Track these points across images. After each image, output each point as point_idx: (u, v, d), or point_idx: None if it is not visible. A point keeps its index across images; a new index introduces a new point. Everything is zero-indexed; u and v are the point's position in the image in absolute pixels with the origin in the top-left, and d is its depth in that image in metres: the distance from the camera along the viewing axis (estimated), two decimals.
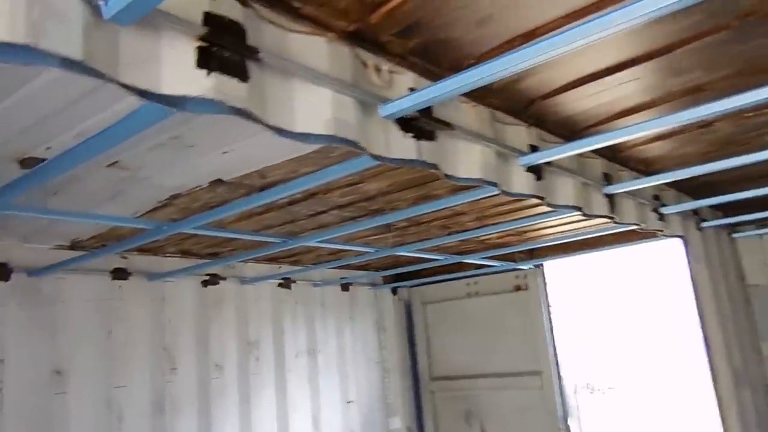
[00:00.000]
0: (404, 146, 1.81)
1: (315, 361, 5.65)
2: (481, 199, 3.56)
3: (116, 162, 2.51)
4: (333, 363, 5.84)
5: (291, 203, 3.43)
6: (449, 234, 4.56)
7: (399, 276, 6.62)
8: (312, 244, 3.84)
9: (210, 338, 4.75)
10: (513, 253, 5.40)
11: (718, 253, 3.93)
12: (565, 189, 2.52)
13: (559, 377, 5.76)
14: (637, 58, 2.08)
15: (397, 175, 3.02)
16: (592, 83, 2.22)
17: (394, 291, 6.64)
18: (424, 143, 1.87)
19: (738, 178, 3.48)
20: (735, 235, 4.29)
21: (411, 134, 1.83)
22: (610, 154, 2.85)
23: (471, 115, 2.08)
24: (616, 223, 2.97)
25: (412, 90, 1.81)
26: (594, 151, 2.77)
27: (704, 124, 2.55)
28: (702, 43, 1.93)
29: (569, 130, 2.53)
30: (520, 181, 2.29)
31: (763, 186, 3.25)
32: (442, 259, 4.76)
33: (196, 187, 2.99)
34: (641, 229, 3.22)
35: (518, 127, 2.30)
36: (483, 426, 6.08)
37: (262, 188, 3.09)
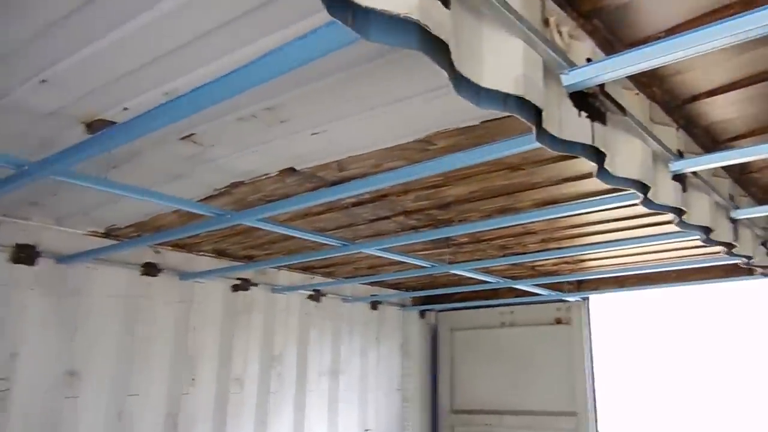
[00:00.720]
0: (578, 126, 1.49)
1: (336, 383, 5.25)
2: (562, 217, 3.26)
3: (192, 134, 2.18)
4: (355, 386, 5.44)
5: (357, 204, 3.10)
6: (504, 255, 4.22)
7: (429, 298, 6.25)
8: (370, 251, 3.49)
9: (234, 349, 4.36)
10: (562, 282, 5.06)
11: None
12: (701, 206, 2.20)
13: (596, 420, 5.37)
14: None
15: (490, 179, 2.69)
16: (753, 86, 1.92)
17: (422, 314, 6.26)
18: (597, 126, 1.55)
19: None
20: None
21: (586, 113, 1.51)
22: (737, 174, 2.54)
23: (634, 103, 1.76)
24: (731, 254, 2.64)
25: (589, 61, 1.50)
26: (724, 169, 2.46)
27: None
28: None
29: (711, 139, 2.22)
30: (666, 191, 1.96)
31: None
32: (494, 282, 4.42)
33: (264, 175, 2.66)
34: (748, 264, 2.90)
35: (668, 128, 1.99)
36: None
37: (333, 183, 2.76)
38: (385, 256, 3.63)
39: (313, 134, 2.23)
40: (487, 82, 1.21)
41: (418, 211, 3.21)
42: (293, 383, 4.81)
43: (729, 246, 2.55)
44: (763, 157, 1.91)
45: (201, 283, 4.11)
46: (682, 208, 2.04)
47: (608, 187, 2.68)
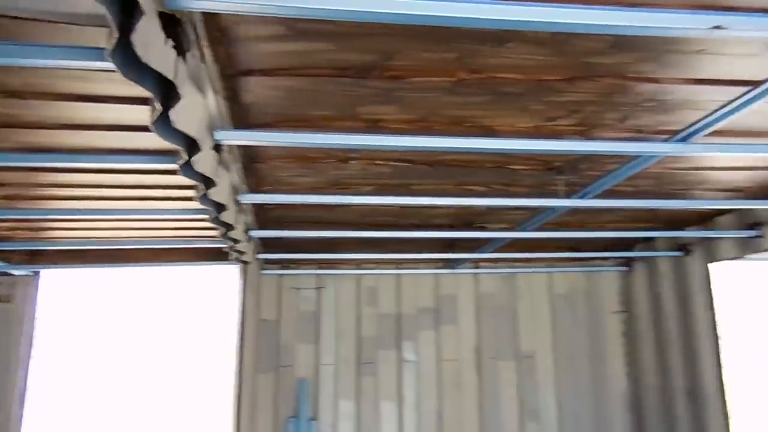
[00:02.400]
0: (162, 54, 1.20)
1: None
2: (50, 169, 2.69)
3: None
4: None
5: None
6: None
7: None
8: None
9: None
10: (13, 251, 4.21)
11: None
12: (223, 184, 2.17)
13: (22, 413, 4.68)
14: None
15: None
16: (295, 77, 2.03)
17: None
18: (180, 63, 1.29)
19: (299, 219, 3.81)
20: (263, 272, 4.61)
21: (172, 42, 1.24)
22: (247, 162, 2.65)
23: (205, 56, 1.57)
24: (226, 237, 2.74)
25: None
26: (240, 154, 2.51)
27: (343, 159, 2.70)
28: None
29: (242, 120, 2.22)
30: (207, 159, 1.84)
31: (317, 230, 3.66)
32: None
33: None
34: (233, 248, 3.09)
35: (218, 96, 1.87)
36: None
37: None
38: None
39: None
40: None
41: None
42: None
43: (229, 228, 2.64)
44: (298, 144, 2.02)
45: None
46: (215, 180, 1.96)
47: (119, 146, 2.39)
